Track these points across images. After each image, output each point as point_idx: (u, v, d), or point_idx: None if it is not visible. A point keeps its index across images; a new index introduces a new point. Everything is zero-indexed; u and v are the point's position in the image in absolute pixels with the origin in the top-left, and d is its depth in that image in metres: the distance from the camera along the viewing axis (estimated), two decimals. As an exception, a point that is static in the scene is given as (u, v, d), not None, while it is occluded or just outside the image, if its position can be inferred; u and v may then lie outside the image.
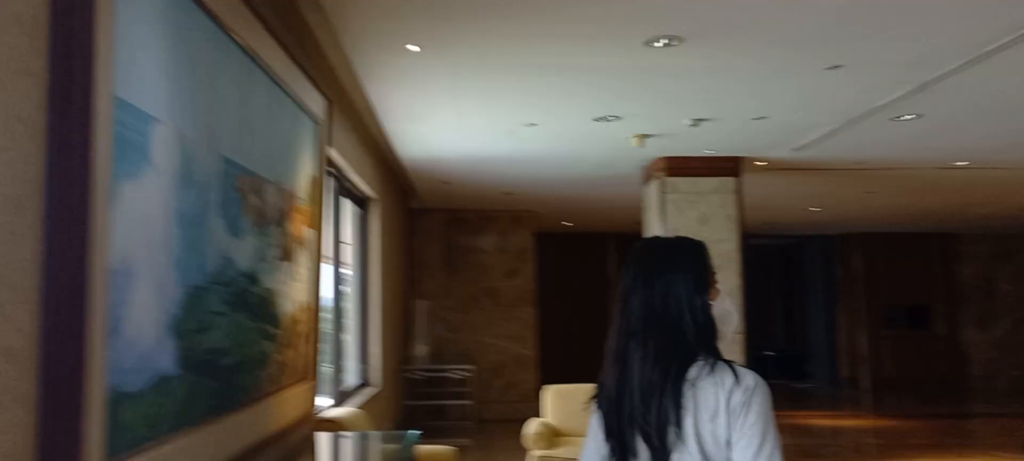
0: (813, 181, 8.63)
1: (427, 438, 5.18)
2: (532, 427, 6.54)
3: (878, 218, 12.21)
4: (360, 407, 6.02)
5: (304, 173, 3.95)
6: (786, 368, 15.42)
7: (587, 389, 6.69)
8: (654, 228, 7.64)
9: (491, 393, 10.95)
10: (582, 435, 6.52)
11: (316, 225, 4.17)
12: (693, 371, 1.72)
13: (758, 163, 7.51)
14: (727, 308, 1.84)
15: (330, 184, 5.60)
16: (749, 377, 1.70)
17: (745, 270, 7.43)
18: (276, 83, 3.43)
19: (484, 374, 10.87)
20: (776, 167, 7.71)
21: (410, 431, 4.24)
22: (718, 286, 1.84)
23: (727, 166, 7.33)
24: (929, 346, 14.20)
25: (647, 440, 1.71)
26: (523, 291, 11.16)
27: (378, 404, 7.43)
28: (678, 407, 1.69)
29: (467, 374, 9.95)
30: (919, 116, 5.87)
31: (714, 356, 1.74)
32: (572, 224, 13.08)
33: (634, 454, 1.75)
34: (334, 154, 5.13)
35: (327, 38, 4.36)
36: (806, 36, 4.28)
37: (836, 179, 8.54)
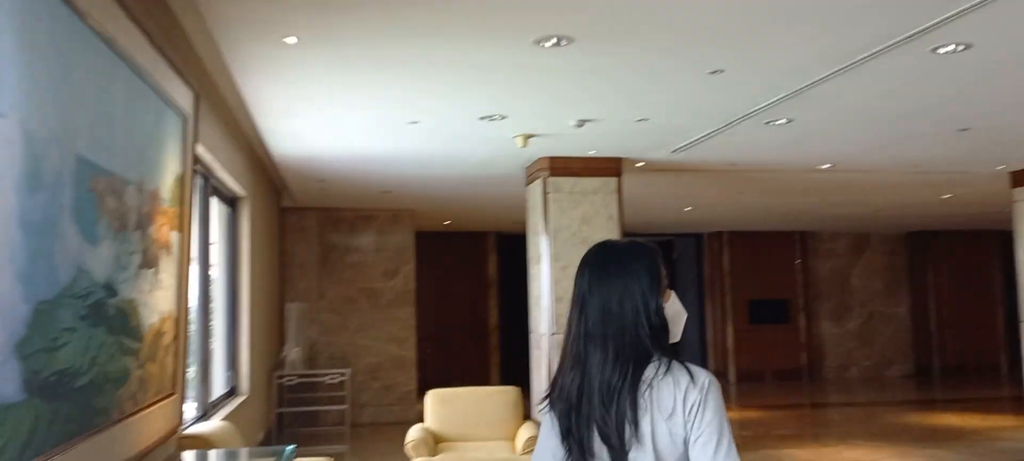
0: (688, 182, 8.85)
1: (300, 446, 4.93)
2: (413, 434, 6.37)
3: (746, 217, 12.72)
4: (228, 418, 5.69)
5: (169, 172, 3.64)
6: (658, 363, 15.82)
7: (471, 392, 6.51)
8: (537, 228, 7.61)
9: (367, 396, 10.68)
10: (465, 441, 6.35)
11: (182, 227, 3.86)
12: (649, 371, 1.76)
13: (637, 164, 7.62)
14: (678, 308, 1.88)
15: (197, 183, 5.25)
16: (703, 376, 1.75)
17: (625, 270, 7.50)
18: (138, 74, 3.14)
19: (360, 377, 10.60)
20: (654, 168, 7.84)
21: (287, 447, 4.00)
22: (668, 287, 1.88)
23: (609, 167, 7.38)
24: (790, 339, 14.92)
25: (606, 441, 1.74)
26: (402, 291, 10.95)
27: (247, 413, 7.07)
28: (635, 407, 1.72)
29: (342, 378, 9.65)
30: (790, 121, 6.07)
31: (668, 356, 1.79)
32: (450, 222, 12.95)
33: (592, 455, 1.76)
34: (202, 150, 4.79)
35: (195, 26, 4.05)
36: (692, 41, 4.31)
37: (709, 180, 8.79)
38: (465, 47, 4.33)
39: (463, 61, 4.57)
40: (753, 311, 14.77)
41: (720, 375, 14.84)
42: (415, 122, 5.91)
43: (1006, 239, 14.95)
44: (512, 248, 13.07)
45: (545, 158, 7.32)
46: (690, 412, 1.71)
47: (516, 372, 11.22)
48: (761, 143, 6.87)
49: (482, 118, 5.82)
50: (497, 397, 6.94)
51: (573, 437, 1.78)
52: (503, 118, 5.83)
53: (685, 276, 15.81)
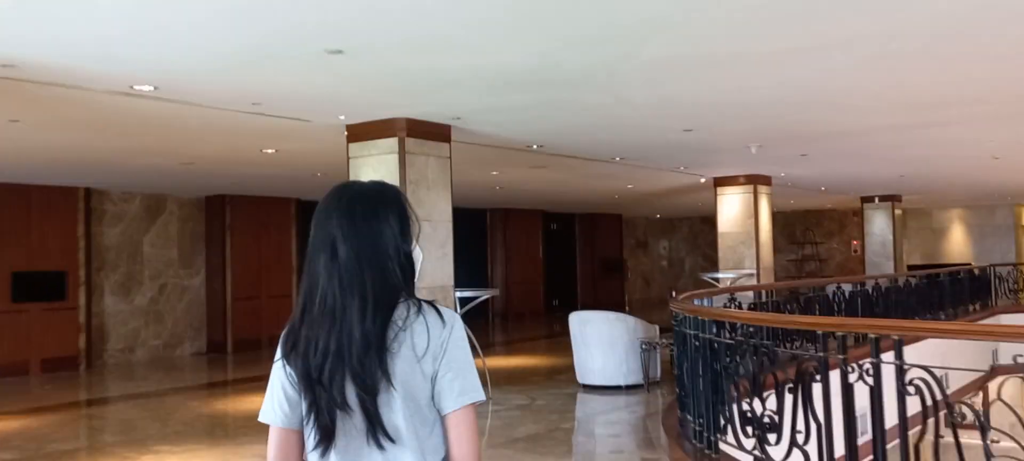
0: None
1: None
2: None
3: (15, 163, 9.58)
4: None
5: None
6: None
7: None
8: None
9: None
10: None
11: None
12: (399, 314, 1.76)
13: None
14: (419, 253, 1.88)
15: None
16: (450, 315, 1.80)
17: None
18: None
19: None
20: None
21: None
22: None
23: None
24: (66, 319, 12.08)
25: (361, 386, 1.71)
26: None
27: None
28: (387, 351, 1.72)
29: None
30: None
31: (416, 299, 1.80)
32: None
33: (343, 405, 1.72)
34: None
35: None
36: None
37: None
38: None
39: None
40: (18, 286, 11.53)
41: (-35, 372, 11.21)
42: None
43: (301, 207, 14.84)
44: None
45: None
46: (440, 349, 1.75)
47: None
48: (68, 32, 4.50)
49: None
50: None
51: (322, 388, 1.71)
52: None
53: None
